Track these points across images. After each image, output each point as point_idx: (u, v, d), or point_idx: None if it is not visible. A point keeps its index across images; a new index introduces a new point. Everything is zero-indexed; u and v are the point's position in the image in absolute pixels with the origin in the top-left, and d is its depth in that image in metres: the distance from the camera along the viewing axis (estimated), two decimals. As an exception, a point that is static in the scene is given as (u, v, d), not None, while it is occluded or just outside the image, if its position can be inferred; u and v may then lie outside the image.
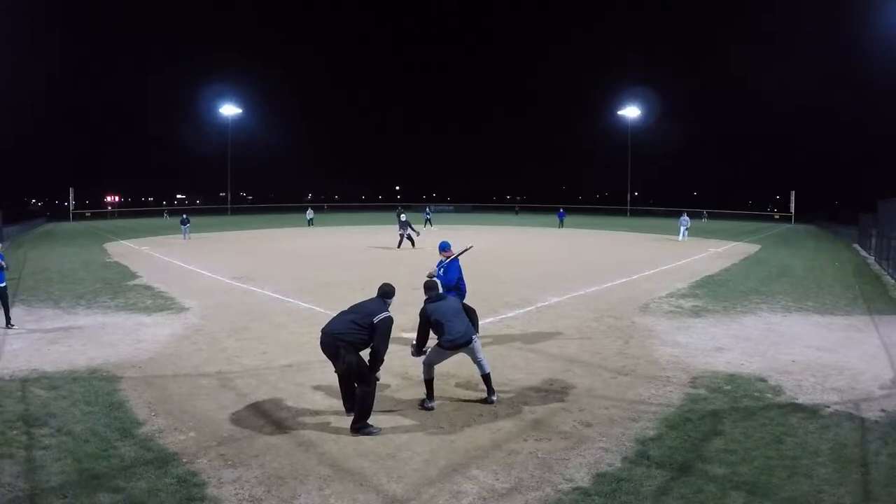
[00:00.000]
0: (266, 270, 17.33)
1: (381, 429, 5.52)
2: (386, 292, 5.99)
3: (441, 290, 6.59)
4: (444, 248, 8.59)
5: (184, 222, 29.86)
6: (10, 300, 10.05)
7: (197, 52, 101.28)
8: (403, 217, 24.29)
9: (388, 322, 5.70)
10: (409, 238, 23.86)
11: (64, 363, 7.62)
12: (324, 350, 5.76)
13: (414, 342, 6.31)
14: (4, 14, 60.19)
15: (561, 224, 40.19)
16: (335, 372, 5.85)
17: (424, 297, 6.33)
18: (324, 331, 5.74)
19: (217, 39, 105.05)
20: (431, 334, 6.21)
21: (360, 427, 5.48)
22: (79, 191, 64.29)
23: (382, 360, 5.70)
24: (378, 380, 5.77)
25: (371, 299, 5.96)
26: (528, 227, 42.26)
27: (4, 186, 71.07)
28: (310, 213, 43.74)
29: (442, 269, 8.23)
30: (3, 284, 9.55)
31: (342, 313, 5.87)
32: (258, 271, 16.99)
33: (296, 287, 13.88)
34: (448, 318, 6.04)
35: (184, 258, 20.54)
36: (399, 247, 23.59)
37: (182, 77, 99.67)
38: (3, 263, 9.52)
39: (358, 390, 5.59)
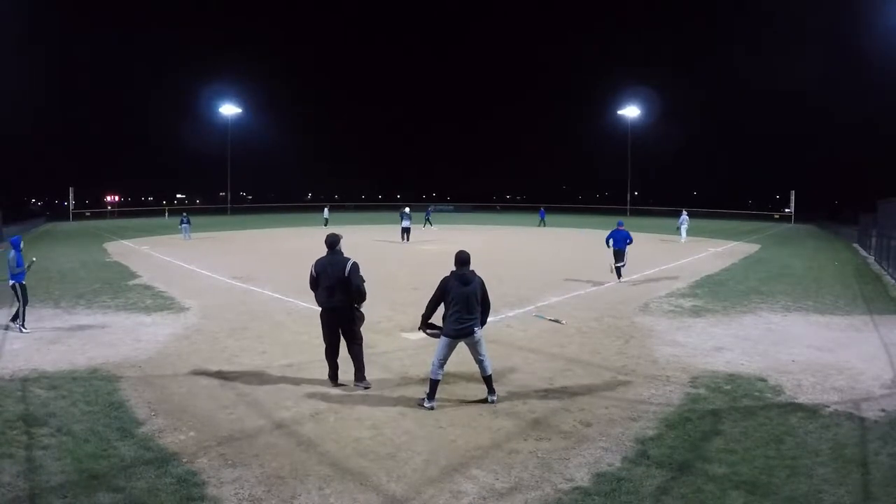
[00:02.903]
0: (266, 270, 17.34)
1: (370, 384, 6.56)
2: (332, 243, 6.64)
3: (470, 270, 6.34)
4: (620, 224, 15.07)
5: (183, 221, 29.06)
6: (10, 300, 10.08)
7: (197, 52, 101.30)
8: (407, 209, 27.32)
9: (356, 266, 6.51)
10: (405, 231, 26.53)
11: (64, 363, 7.63)
12: (337, 322, 6.51)
13: (423, 321, 6.28)
14: (4, 14, 60.20)
15: (541, 223, 40.30)
16: (326, 343, 6.61)
17: (453, 269, 6.20)
18: (329, 306, 6.48)
19: (217, 39, 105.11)
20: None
21: (363, 377, 6.60)
22: (79, 190, 64.15)
23: (364, 293, 6.58)
24: (363, 318, 6.75)
25: (328, 260, 6.53)
26: (529, 226, 42.23)
27: (4, 186, 71.21)
28: (326, 213, 41.60)
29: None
30: (23, 281, 9.69)
31: (327, 286, 6.46)
32: (258, 271, 16.99)
33: (296, 286, 13.83)
34: (456, 308, 5.99)
35: (184, 258, 20.54)
36: (403, 240, 26.22)
37: (182, 77, 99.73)
38: (34, 259, 9.72)
39: (354, 349, 6.60)
